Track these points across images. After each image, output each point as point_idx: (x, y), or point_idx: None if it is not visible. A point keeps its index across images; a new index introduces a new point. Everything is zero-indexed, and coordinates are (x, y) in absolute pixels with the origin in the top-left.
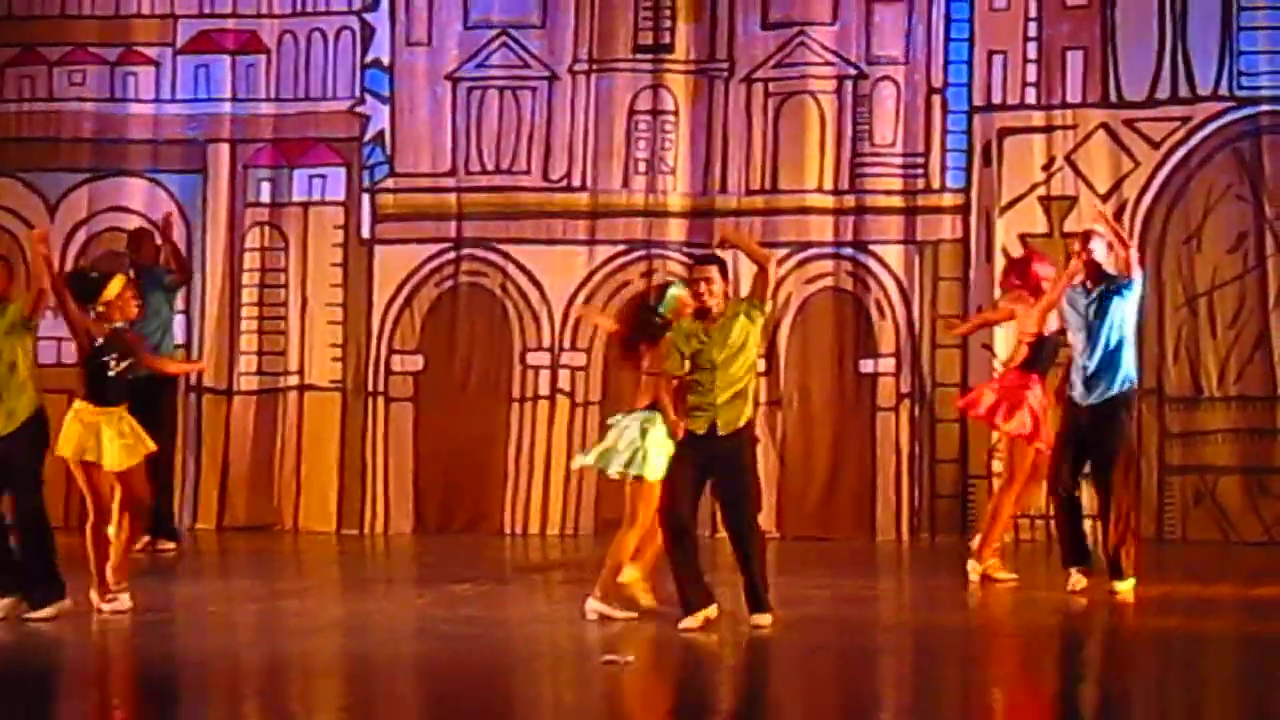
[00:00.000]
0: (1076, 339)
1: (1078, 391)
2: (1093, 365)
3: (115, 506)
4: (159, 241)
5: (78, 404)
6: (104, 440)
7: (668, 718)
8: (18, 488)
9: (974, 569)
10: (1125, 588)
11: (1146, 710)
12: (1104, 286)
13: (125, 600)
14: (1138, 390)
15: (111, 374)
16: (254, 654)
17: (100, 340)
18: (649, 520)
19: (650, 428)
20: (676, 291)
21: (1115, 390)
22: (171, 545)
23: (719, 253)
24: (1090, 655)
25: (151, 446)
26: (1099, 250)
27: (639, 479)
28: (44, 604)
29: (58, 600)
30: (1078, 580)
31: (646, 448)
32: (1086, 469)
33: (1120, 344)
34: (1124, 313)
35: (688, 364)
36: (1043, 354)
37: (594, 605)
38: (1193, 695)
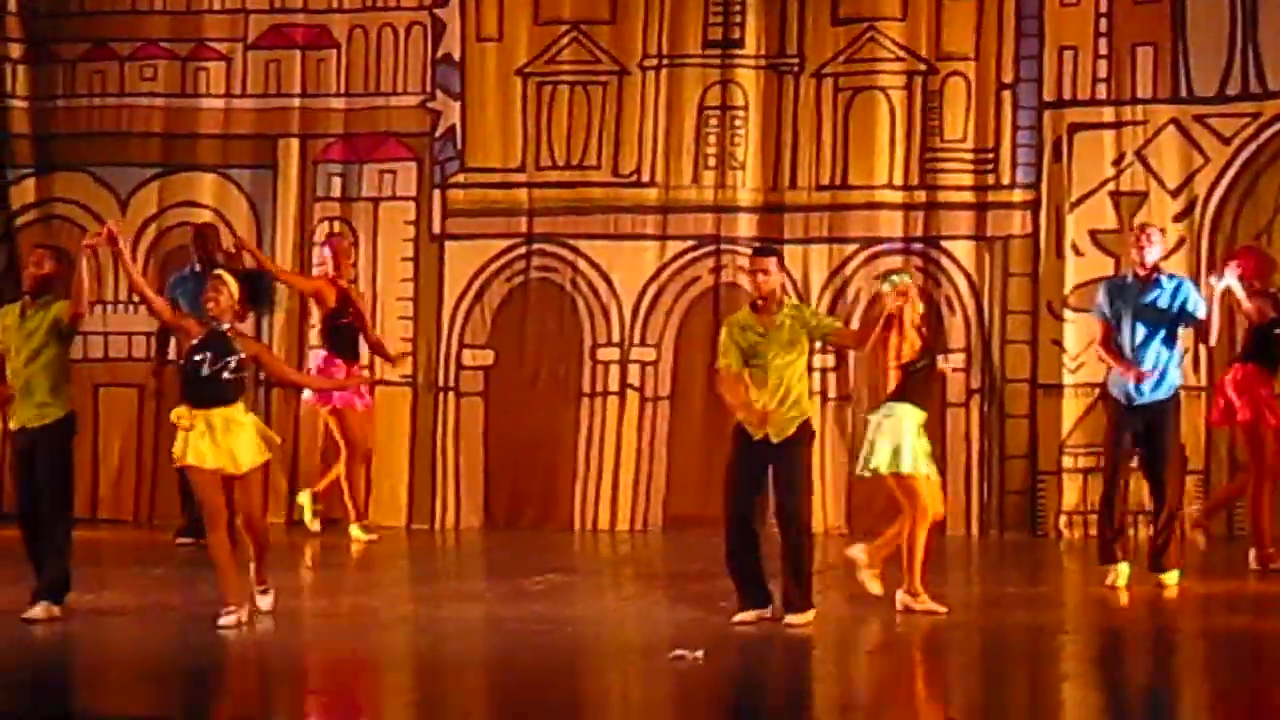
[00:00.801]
0: (1125, 334)
1: (1124, 390)
2: (1145, 367)
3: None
4: (230, 246)
5: (176, 409)
6: (193, 440)
7: (734, 714)
8: (45, 484)
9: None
10: (1172, 579)
11: (1215, 707)
12: (1172, 291)
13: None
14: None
15: (205, 374)
16: (322, 649)
17: (197, 340)
18: (920, 510)
19: (892, 420)
20: (895, 280)
21: (1165, 394)
22: None
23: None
24: (1159, 653)
25: (267, 455)
26: (1156, 246)
27: (897, 475)
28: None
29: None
30: (1119, 574)
31: (900, 443)
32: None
33: (1175, 353)
34: (1182, 327)
35: (739, 361)
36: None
37: (904, 599)
38: (1261, 693)
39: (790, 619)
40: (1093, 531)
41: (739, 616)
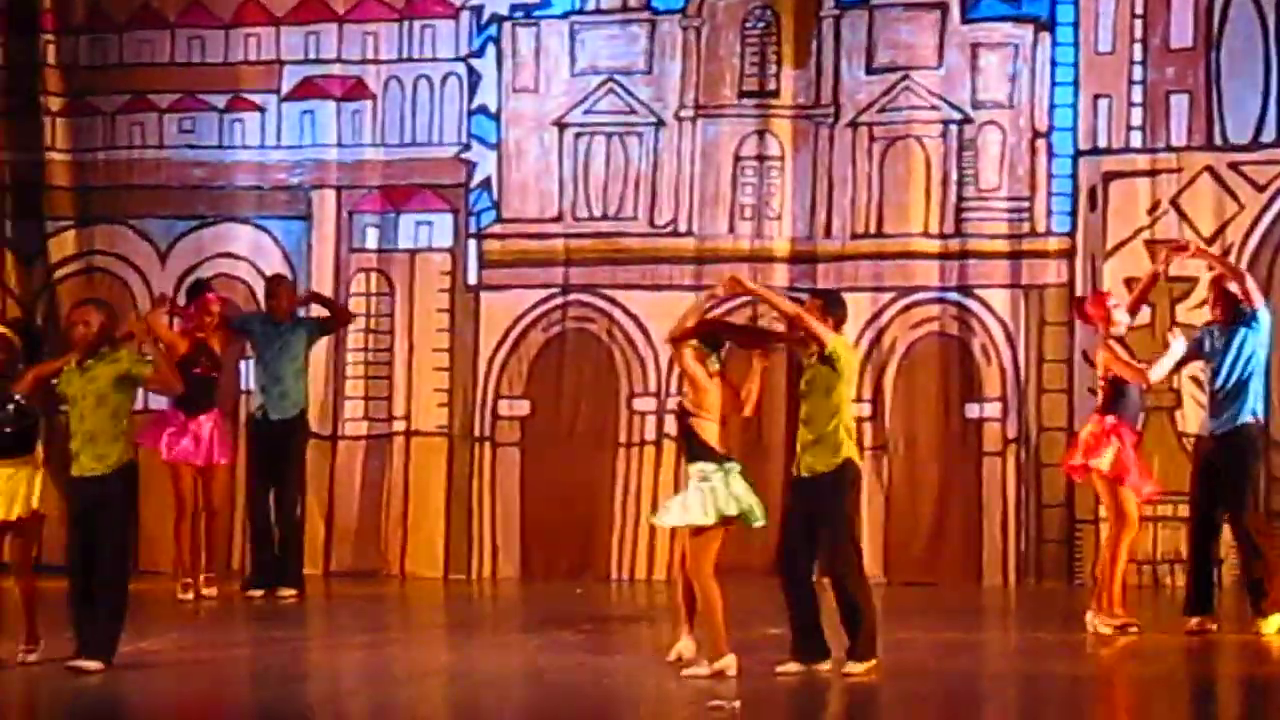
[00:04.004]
0: (1206, 372)
1: (1202, 421)
2: (1218, 395)
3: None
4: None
5: None
6: None
7: None
8: (100, 533)
9: (1092, 621)
10: (1272, 625)
11: None
12: (1233, 319)
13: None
14: (1263, 426)
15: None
16: (359, 700)
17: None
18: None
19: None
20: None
21: (1240, 420)
22: (293, 592)
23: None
24: (1202, 704)
25: (18, 513)
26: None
27: None
28: (90, 656)
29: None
30: (1201, 623)
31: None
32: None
33: (1248, 376)
34: (1253, 345)
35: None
36: (1118, 395)
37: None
38: None
39: (847, 667)
40: (1131, 580)
41: (782, 667)
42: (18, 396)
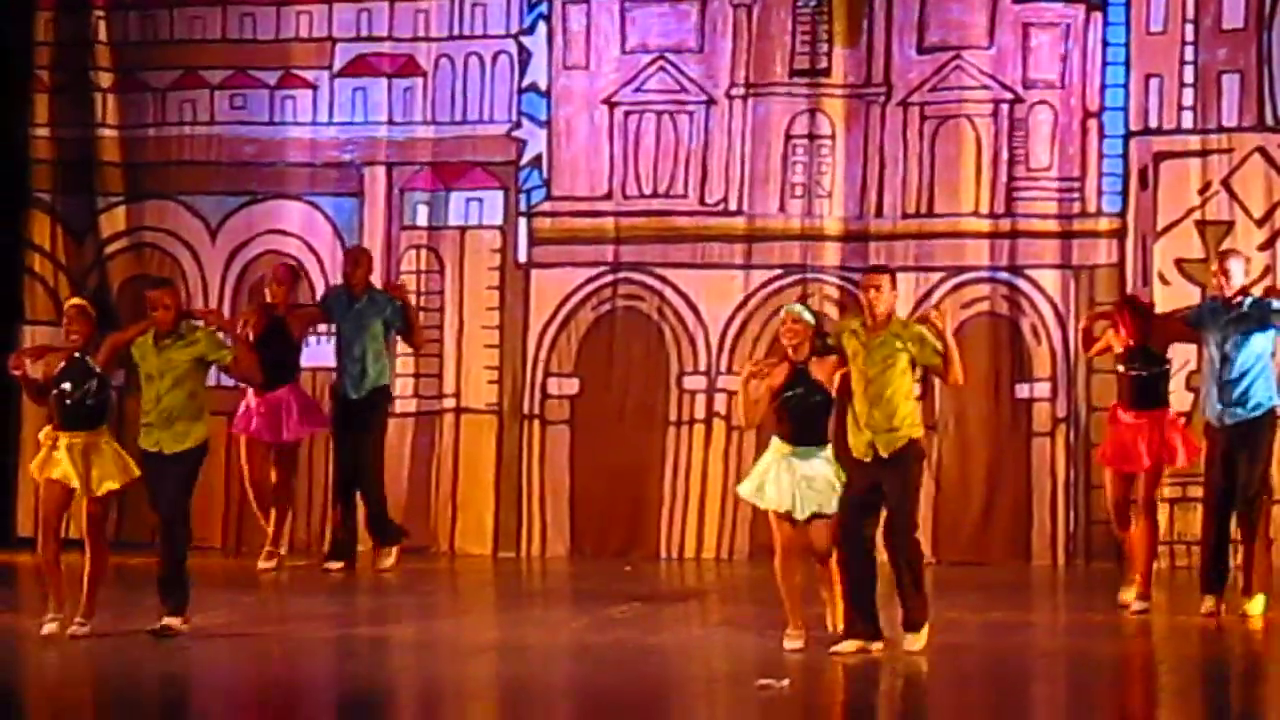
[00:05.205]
0: (1211, 354)
1: (1214, 412)
2: (1228, 386)
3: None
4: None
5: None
6: (61, 463)
7: None
8: (163, 504)
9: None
10: (1257, 607)
11: None
12: (1247, 310)
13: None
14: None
15: (68, 401)
16: (409, 676)
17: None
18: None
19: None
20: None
21: (1258, 412)
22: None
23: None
24: (1245, 685)
25: (107, 487)
26: (1237, 271)
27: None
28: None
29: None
30: (1209, 604)
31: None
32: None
33: (1262, 370)
34: (1266, 341)
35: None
36: None
37: None
38: None
39: (907, 641)
40: (1180, 562)
41: (838, 647)
42: (97, 368)
